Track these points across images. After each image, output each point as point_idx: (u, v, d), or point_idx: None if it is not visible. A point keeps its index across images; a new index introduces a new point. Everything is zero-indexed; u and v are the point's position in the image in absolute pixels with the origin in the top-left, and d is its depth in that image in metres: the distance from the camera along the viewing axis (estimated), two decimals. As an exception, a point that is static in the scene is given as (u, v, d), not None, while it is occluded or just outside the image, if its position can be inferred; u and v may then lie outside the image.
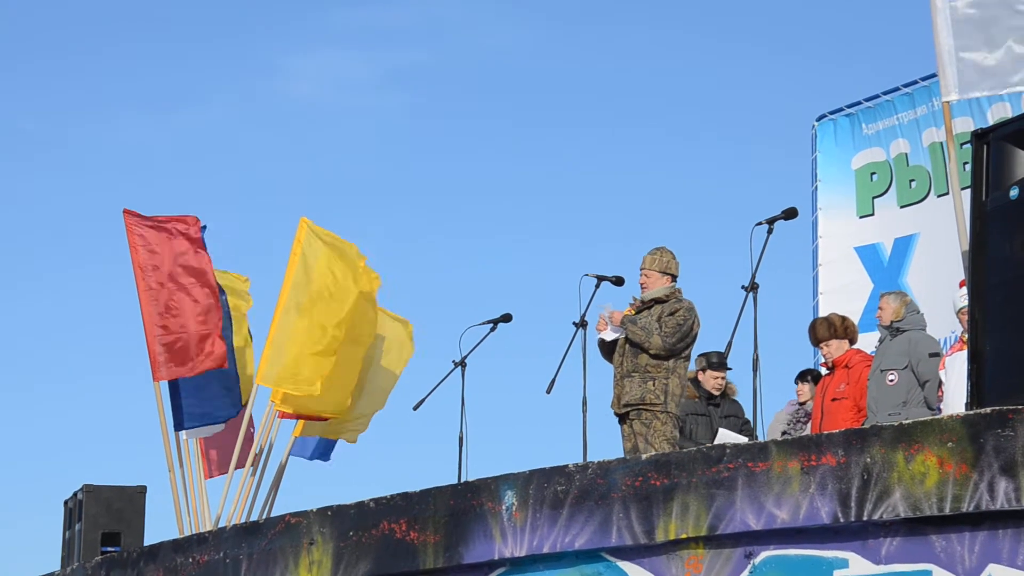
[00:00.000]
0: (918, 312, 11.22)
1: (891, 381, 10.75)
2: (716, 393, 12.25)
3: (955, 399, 9.86)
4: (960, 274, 9.86)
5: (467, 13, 31.63)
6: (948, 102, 9.64)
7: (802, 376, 12.47)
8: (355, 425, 13.91)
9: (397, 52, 31.46)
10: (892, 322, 11.03)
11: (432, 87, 31.58)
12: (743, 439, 11.22)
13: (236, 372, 13.82)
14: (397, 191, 30.80)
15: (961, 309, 10.27)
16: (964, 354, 9.93)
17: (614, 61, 31.20)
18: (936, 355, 10.80)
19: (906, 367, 10.79)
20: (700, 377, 12.34)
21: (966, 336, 10.21)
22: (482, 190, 31.09)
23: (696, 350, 11.51)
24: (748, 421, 11.68)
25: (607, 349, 11.32)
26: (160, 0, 30.96)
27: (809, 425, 11.85)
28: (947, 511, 7.68)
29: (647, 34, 31.48)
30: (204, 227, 13.73)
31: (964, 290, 10.23)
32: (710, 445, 9.17)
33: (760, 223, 10.49)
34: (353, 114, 31.53)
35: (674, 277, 11.35)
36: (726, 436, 11.29)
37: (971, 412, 7.88)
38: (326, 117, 31.72)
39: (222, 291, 13.77)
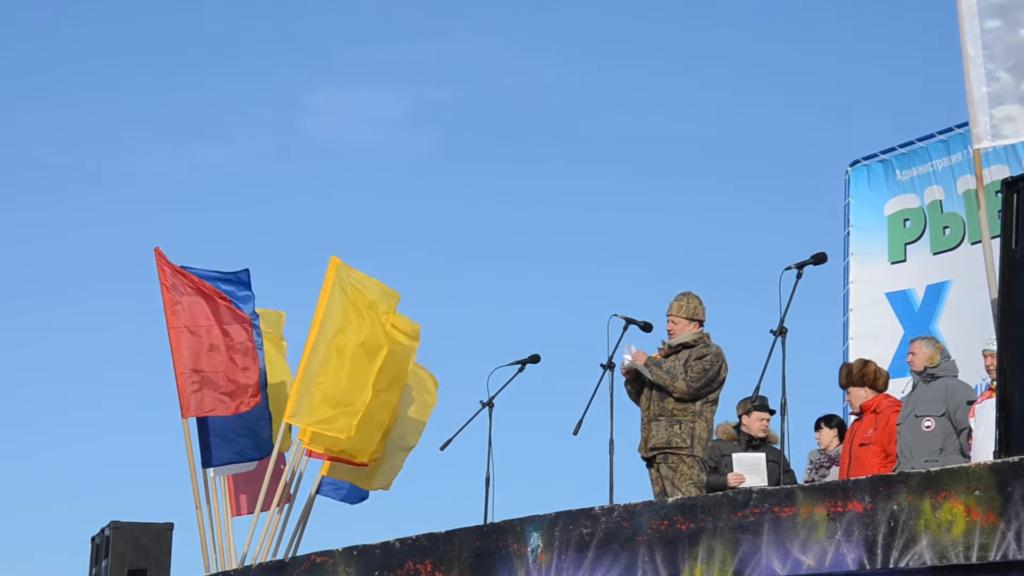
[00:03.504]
0: (950, 358, 11.15)
1: (928, 428, 10.67)
2: (762, 435, 12.13)
3: (983, 447, 9.80)
4: (991, 322, 9.81)
5: (492, 51, 31.75)
6: (979, 150, 9.62)
7: (819, 423, 12.43)
8: (385, 474, 13.88)
9: (424, 89, 31.59)
10: (926, 368, 10.94)
11: (458, 124, 31.69)
12: (760, 456, 11.16)
13: (268, 412, 13.83)
14: (425, 229, 30.86)
15: (983, 351, 10.22)
16: (992, 402, 9.87)
17: (644, 103, 31.26)
18: (973, 403, 10.73)
19: (943, 414, 10.70)
20: (744, 420, 12.26)
21: (994, 384, 10.16)
22: (511, 229, 31.12)
23: (724, 395, 11.47)
24: (792, 471, 11.59)
25: (633, 391, 11.29)
26: (188, 36, 31.17)
27: (832, 470, 11.79)
28: (974, 560, 7.63)
29: (679, 78, 31.54)
30: (245, 271, 13.79)
31: (991, 335, 10.18)
32: (737, 490, 9.14)
33: (789, 267, 10.47)
34: (381, 151, 31.64)
35: (701, 322, 11.33)
36: (743, 460, 11.22)
37: (999, 460, 7.84)
38: (354, 153, 31.84)
39: (257, 330, 13.80)
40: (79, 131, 30.89)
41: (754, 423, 12.09)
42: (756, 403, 11.98)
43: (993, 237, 9.39)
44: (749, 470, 11.15)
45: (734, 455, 11.34)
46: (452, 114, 31.58)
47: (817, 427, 12.41)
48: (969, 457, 10.47)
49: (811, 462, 12.24)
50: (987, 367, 10.32)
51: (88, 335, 30.21)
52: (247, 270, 13.83)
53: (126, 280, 28.99)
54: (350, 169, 31.56)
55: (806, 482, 11.74)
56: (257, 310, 13.99)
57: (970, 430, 10.49)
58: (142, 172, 31.10)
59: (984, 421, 9.98)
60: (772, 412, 12.03)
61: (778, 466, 11.93)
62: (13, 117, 30.76)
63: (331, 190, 31.27)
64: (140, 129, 31.17)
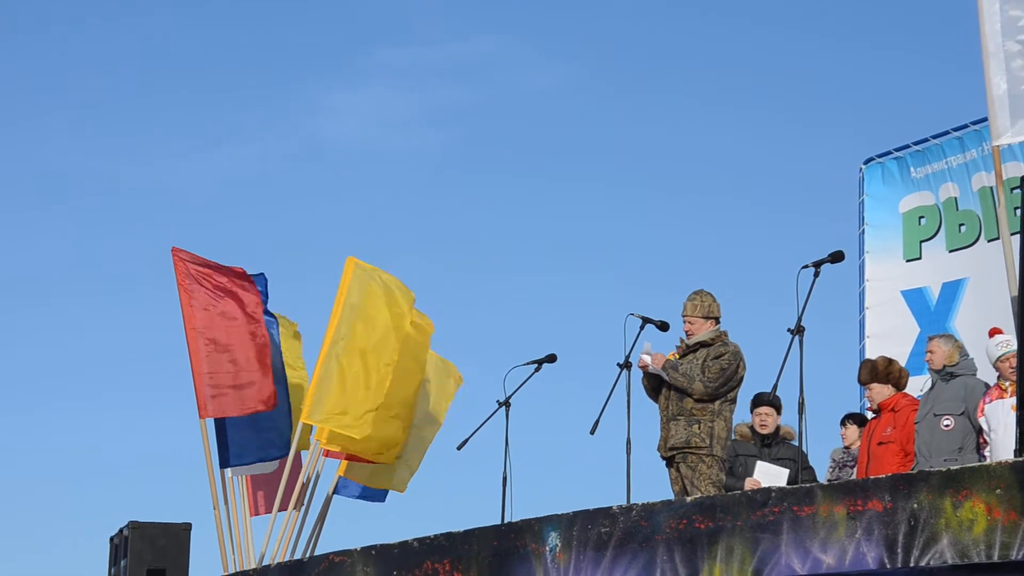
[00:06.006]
0: (969, 356, 11.12)
1: (947, 426, 10.63)
2: (763, 432, 12.11)
3: (1004, 446, 9.78)
4: (1010, 320, 9.80)
5: (509, 53, 31.74)
6: (998, 146, 9.61)
7: (846, 419, 12.42)
8: (402, 474, 13.89)
9: (441, 91, 31.59)
10: (945, 366, 10.90)
11: (476, 128, 31.69)
12: (784, 471, 11.14)
13: (289, 412, 13.84)
14: (443, 229, 30.87)
15: (1000, 357, 10.19)
16: (1006, 402, 9.85)
17: (660, 104, 31.25)
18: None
19: (962, 413, 10.66)
20: (752, 417, 12.28)
21: (1003, 383, 10.15)
22: (528, 229, 31.11)
23: (742, 393, 11.45)
24: (811, 468, 11.53)
25: (652, 387, 11.29)
26: (206, 40, 31.20)
27: (855, 470, 11.77)
28: (995, 559, 7.62)
29: (693, 75, 31.52)
30: (262, 275, 13.82)
31: (998, 338, 10.17)
32: (756, 488, 9.13)
33: (807, 266, 10.46)
34: (398, 152, 31.64)
35: (717, 319, 11.31)
36: (764, 468, 11.20)
37: (1020, 459, 7.82)
38: (371, 155, 31.85)
39: (275, 329, 13.82)
40: (97, 136, 30.98)
41: (754, 419, 12.10)
42: (757, 400, 11.98)
43: (1012, 234, 9.37)
44: (768, 481, 11.10)
45: (758, 463, 11.33)
46: (469, 117, 31.61)
47: (844, 423, 12.39)
48: (985, 456, 10.45)
49: (833, 460, 12.23)
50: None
51: (108, 336, 30.30)
52: (263, 274, 13.85)
53: (145, 282, 29.05)
54: (369, 170, 31.58)
55: (827, 480, 11.72)
56: (275, 314, 14.02)
57: (981, 429, 10.47)
58: (161, 175, 31.17)
59: (1002, 421, 9.96)
60: (773, 406, 11.98)
61: (796, 463, 11.92)
62: (33, 123, 30.88)
63: (351, 191, 31.30)
64: (160, 133, 31.24)
